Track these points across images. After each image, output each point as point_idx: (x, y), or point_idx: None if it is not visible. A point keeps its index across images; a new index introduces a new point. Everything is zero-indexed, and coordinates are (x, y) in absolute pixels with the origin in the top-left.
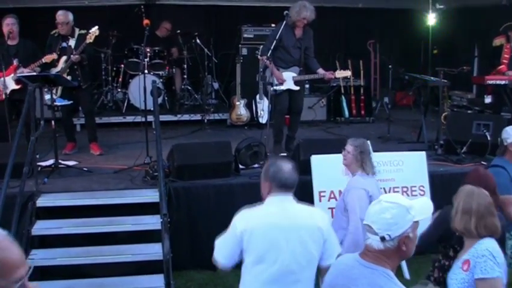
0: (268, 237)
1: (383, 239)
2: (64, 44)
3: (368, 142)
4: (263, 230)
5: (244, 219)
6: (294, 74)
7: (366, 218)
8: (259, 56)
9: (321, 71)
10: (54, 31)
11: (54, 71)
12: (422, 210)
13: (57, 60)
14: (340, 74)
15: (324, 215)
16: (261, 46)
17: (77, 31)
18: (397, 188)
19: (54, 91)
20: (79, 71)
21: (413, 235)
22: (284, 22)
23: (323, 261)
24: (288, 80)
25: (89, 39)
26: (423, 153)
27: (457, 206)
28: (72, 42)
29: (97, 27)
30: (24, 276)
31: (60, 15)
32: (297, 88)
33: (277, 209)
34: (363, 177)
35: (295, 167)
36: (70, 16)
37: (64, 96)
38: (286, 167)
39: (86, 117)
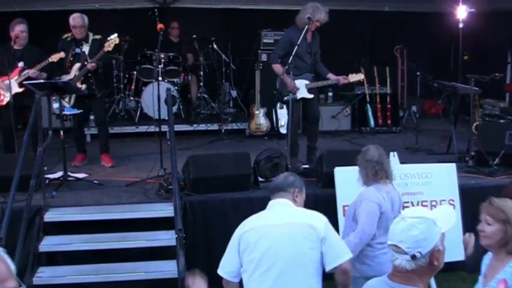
0: (261, 239)
1: (413, 257)
2: (78, 50)
3: (377, 149)
4: (256, 232)
5: (241, 226)
6: (307, 82)
7: (392, 238)
8: (272, 64)
9: (331, 76)
10: (66, 35)
11: (66, 78)
12: (446, 220)
13: (70, 67)
14: (353, 77)
15: (321, 216)
16: (271, 53)
17: (91, 36)
18: (425, 201)
19: (67, 99)
20: (93, 79)
21: (442, 247)
22: (294, 26)
23: (326, 265)
24: (302, 88)
25: (108, 47)
26: (453, 165)
27: (492, 218)
28: (86, 48)
29: (116, 34)
30: None
31: (77, 18)
32: (311, 96)
33: (270, 211)
34: (377, 188)
35: (295, 175)
36: (86, 19)
37: (77, 104)
38: (281, 175)
39: (99, 127)
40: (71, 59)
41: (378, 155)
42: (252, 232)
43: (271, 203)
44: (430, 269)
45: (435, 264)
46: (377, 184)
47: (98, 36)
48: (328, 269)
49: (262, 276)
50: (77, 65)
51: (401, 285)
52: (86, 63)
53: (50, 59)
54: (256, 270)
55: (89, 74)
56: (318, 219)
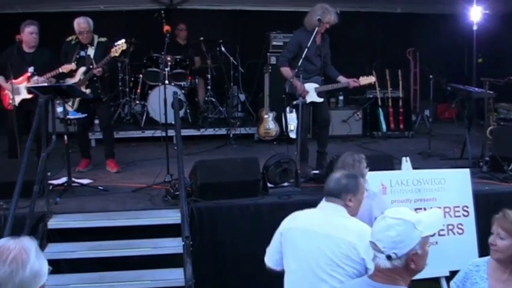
0: (298, 240)
1: (389, 257)
2: (82, 53)
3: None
4: (296, 232)
5: (287, 220)
6: (317, 85)
7: (372, 235)
8: (280, 68)
9: (342, 78)
10: (70, 38)
11: (71, 81)
12: (430, 224)
13: (75, 70)
14: (364, 80)
15: (367, 232)
16: (279, 56)
17: (96, 39)
18: (439, 208)
19: (70, 103)
20: (99, 83)
21: (422, 251)
22: (302, 28)
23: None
24: (311, 92)
25: (115, 52)
26: (467, 170)
27: (505, 232)
28: (91, 51)
29: (123, 40)
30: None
31: (82, 24)
32: (321, 100)
33: (317, 214)
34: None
35: (350, 176)
36: (92, 23)
37: (81, 109)
38: (334, 176)
39: (104, 131)
40: (75, 63)
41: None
42: (293, 232)
43: (322, 204)
44: (408, 270)
45: (412, 268)
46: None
47: (103, 39)
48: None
49: (292, 278)
50: (82, 69)
51: (383, 285)
52: (91, 67)
53: (60, 69)
54: (289, 272)
55: (95, 78)
56: (363, 237)
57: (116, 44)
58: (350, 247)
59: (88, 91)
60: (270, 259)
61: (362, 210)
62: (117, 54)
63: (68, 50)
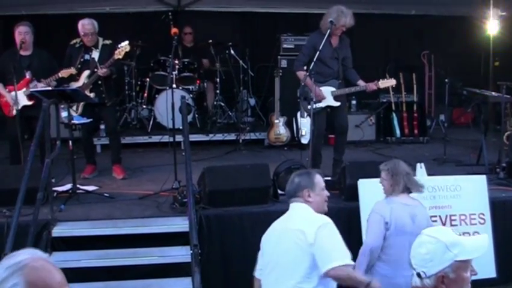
0: (266, 244)
1: (419, 275)
2: (87, 56)
3: (403, 163)
4: (265, 236)
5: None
6: (333, 89)
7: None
8: (296, 72)
9: (361, 82)
10: (75, 41)
11: (75, 85)
12: (472, 248)
13: (79, 74)
14: (384, 83)
15: (319, 220)
16: (295, 60)
17: (100, 41)
18: (454, 216)
19: (74, 108)
20: (103, 86)
21: (455, 276)
22: (318, 31)
23: (319, 268)
24: (327, 95)
25: (118, 54)
26: (484, 177)
27: None
28: (96, 54)
29: (127, 42)
30: None
31: (87, 25)
32: (338, 104)
33: (284, 216)
34: (388, 201)
35: (301, 174)
36: (96, 25)
37: (85, 113)
38: (289, 179)
39: (110, 136)
40: (79, 66)
41: (409, 168)
42: (265, 236)
43: (289, 207)
44: None
45: None
46: (392, 197)
47: (108, 42)
48: (321, 272)
49: (265, 280)
50: (86, 72)
51: None
52: (95, 70)
53: (60, 74)
54: (263, 274)
55: (99, 82)
56: (313, 223)
57: (119, 46)
58: (298, 234)
59: (92, 95)
60: (256, 269)
61: (422, 214)
62: (120, 57)
63: (72, 54)
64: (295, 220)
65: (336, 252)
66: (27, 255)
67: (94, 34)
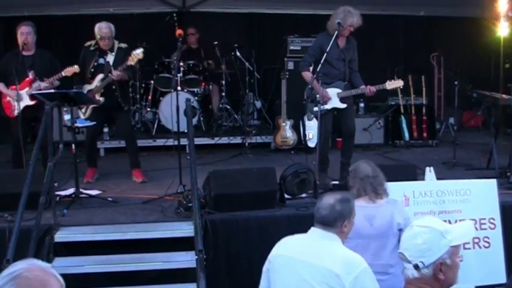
0: (284, 268)
1: (416, 266)
2: (101, 60)
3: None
4: (282, 259)
5: (276, 247)
6: (339, 90)
7: (400, 246)
8: (302, 73)
9: (363, 86)
10: (89, 43)
11: (87, 88)
12: (460, 233)
13: (92, 77)
14: (391, 85)
15: (355, 264)
16: (300, 61)
17: (116, 44)
18: (464, 220)
19: (83, 110)
20: (118, 91)
21: (451, 262)
22: (325, 32)
23: None
24: (333, 97)
25: (131, 61)
26: (494, 181)
27: None
28: (110, 58)
29: (142, 49)
30: None
31: (104, 29)
32: (344, 105)
33: (306, 242)
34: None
35: (344, 201)
36: (113, 28)
37: (94, 117)
38: (326, 202)
39: (126, 140)
40: (92, 70)
41: (372, 170)
42: (280, 259)
43: (313, 230)
44: (438, 282)
45: (442, 278)
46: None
47: (123, 45)
48: None
49: None
50: (100, 76)
51: None
52: (109, 74)
53: (63, 73)
54: None
55: (114, 87)
56: (351, 267)
57: (134, 52)
58: (335, 278)
59: (101, 99)
60: (261, 283)
61: (382, 216)
62: (133, 63)
63: (86, 56)
64: (325, 257)
65: None
66: (24, 265)
67: (110, 38)
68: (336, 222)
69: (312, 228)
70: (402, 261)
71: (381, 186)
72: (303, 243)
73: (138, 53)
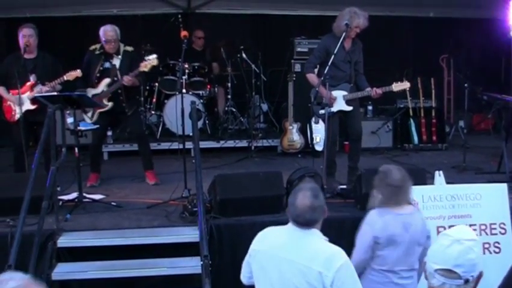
0: (265, 265)
1: (467, 281)
2: (107, 64)
3: (399, 171)
4: (263, 256)
5: (256, 240)
6: (345, 92)
7: (444, 262)
8: (306, 74)
9: (368, 88)
10: (94, 46)
11: (92, 92)
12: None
13: (98, 82)
14: (398, 86)
15: (334, 259)
16: (305, 62)
17: (122, 47)
18: (474, 225)
19: (90, 114)
20: (124, 95)
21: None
22: (331, 34)
23: None
24: (339, 99)
25: (144, 67)
26: (505, 185)
27: None
28: (117, 61)
29: (155, 56)
30: None
31: (109, 32)
32: (350, 108)
33: (286, 238)
34: (379, 212)
35: (316, 195)
36: (119, 31)
37: (100, 121)
38: (302, 204)
39: (139, 142)
40: (98, 75)
41: (405, 177)
42: (260, 255)
43: (291, 228)
44: None
45: None
46: (384, 208)
47: (129, 48)
48: None
49: None
50: (106, 80)
51: None
52: (115, 79)
53: (65, 77)
54: None
55: (119, 91)
56: (331, 262)
57: (147, 58)
58: (315, 275)
59: (110, 104)
60: (243, 275)
61: (417, 224)
62: (146, 69)
63: (91, 60)
64: (305, 253)
65: None
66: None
67: (116, 41)
68: (319, 218)
69: (290, 225)
70: (447, 278)
71: (412, 193)
72: (283, 238)
73: (152, 59)
